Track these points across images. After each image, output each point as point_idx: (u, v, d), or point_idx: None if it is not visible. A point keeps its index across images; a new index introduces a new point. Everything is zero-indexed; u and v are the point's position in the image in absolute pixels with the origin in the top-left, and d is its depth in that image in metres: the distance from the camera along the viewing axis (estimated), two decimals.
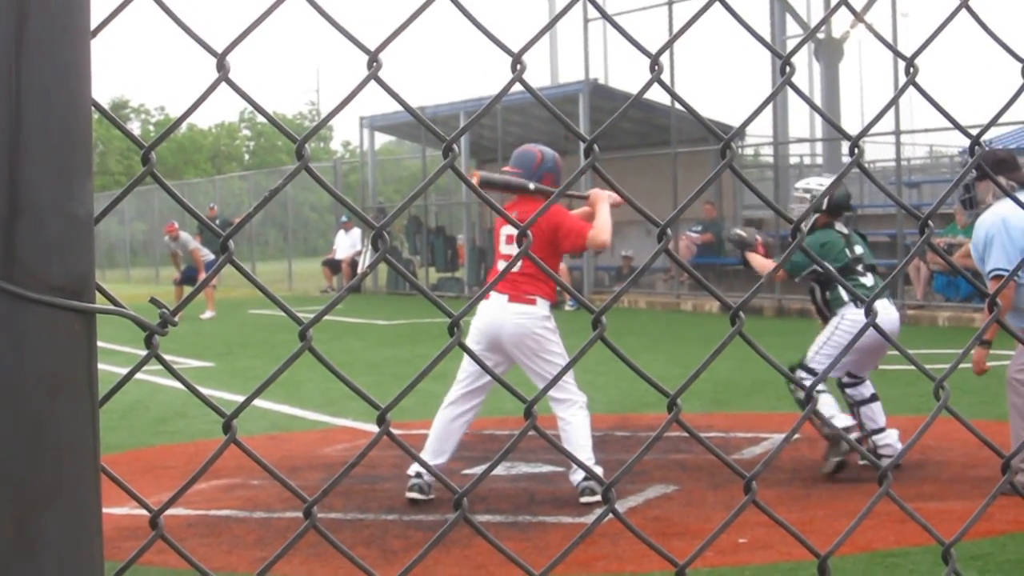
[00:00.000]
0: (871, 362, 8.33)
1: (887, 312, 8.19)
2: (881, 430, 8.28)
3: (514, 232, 7.67)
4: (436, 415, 7.67)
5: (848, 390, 8.34)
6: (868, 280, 8.34)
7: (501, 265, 7.83)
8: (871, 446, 8.28)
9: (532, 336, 7.51)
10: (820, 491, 7.75)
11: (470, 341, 7.50)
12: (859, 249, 8.51)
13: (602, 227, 7.56)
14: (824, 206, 8.39)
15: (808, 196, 8.70)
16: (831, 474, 8.02)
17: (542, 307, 7.57)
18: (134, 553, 1.45)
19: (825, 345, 8.23)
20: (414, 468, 7.72)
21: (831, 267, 8.30)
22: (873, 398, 8.35)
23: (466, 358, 7.53)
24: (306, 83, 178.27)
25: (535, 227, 7.21)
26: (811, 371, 8.16)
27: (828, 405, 8.12)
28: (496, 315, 7.49)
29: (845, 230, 8.54)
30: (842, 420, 8.08)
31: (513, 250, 7.75)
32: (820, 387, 8.14)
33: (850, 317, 8.20)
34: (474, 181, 7.63)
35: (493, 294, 7.47)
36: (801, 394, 8.17)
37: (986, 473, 7.89)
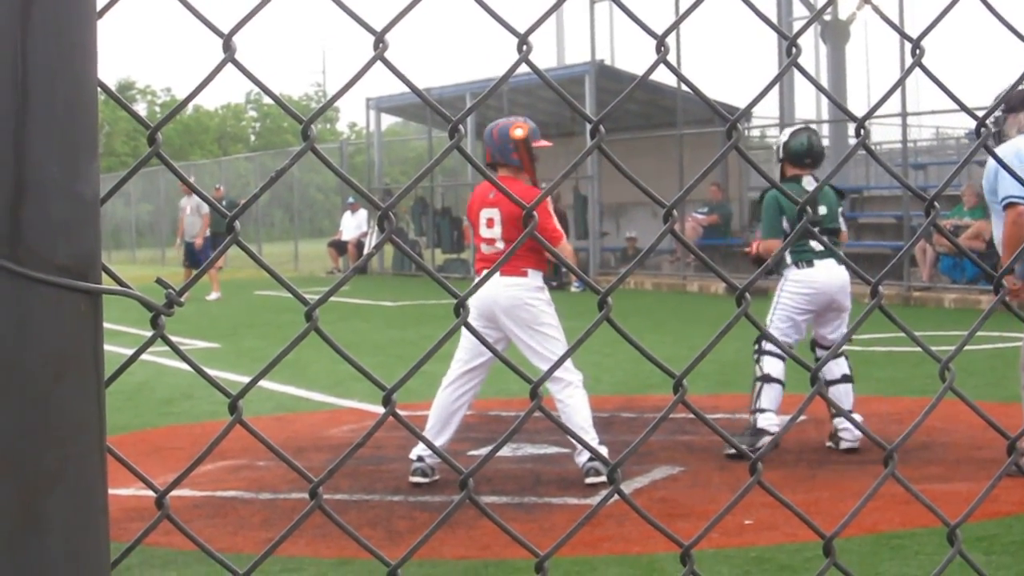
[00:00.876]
0: (831, 319, 8.33)
1: (830, 272, 8.20)
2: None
3: (495, 216, 7.70)
4: (436, 396, 7.63)
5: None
6: (817, 243, 8.27)
7: (484, 248, 7.80)
8: (832, 429, 8.31)
9: (524, 306, 7.48)
10: (826, 472, 7.75)
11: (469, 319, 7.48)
12: (822, 210, 8.44)
13: (570, 251, 7.61)
14: (780, 155, 8.38)
15: (774, 148, 8.72)
16: (730, 457, 8.10)
17: (534, 278, 7.55)
18: (140, 534, 1.46)
19: (775, 313, 8.25)
20: (416, 452, 7.71)
21: (786, 225, 8.35)
22: (844, 379, 8.27)
23: (464, 336, 7.52)
24: (312, 65, 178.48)
25: (516, 208, 7.18)
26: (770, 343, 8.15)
27: (771, 397, 8.18)
28: (489, 290, 7.44)
29: (810, 186, 8.38)
30: (769, 419, 8.11)
31: (494, 233, 7.73)
32: (780, 355, 8.19)
33: (792, 278, 8.27)
34: (522, 133, 7.59)
35: (484, 274, 7.46)
36: (760, 368, 8.27)
37: (991, 455, 7.89)
